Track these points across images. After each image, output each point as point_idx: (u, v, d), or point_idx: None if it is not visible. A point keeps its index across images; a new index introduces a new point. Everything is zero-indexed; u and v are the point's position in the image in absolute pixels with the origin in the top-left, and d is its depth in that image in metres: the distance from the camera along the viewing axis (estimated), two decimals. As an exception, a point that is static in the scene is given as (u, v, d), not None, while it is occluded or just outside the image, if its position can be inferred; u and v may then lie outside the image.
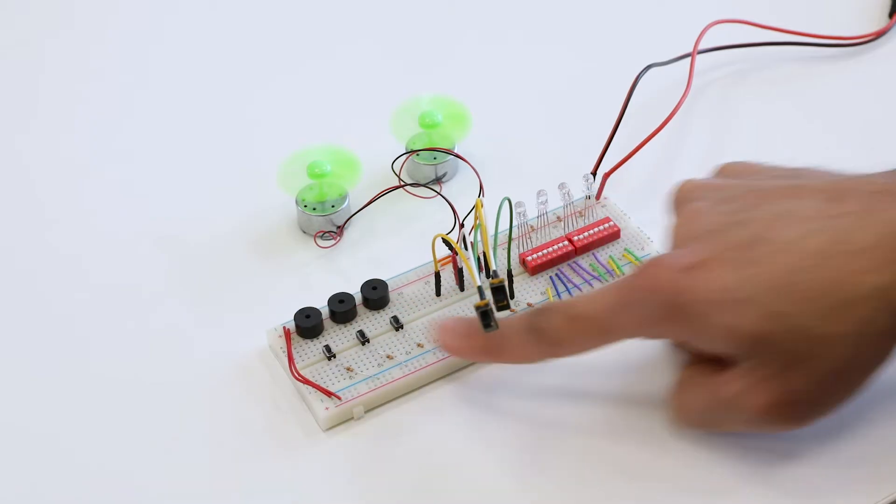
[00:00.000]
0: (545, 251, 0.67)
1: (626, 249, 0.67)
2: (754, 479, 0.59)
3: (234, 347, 0.65)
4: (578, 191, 0.68)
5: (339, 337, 0.64)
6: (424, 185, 0.72)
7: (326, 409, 0.61)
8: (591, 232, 0.68)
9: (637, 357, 0.64)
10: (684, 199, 0.61)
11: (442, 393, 0.63)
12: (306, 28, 0.85)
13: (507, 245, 0.66)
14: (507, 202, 0.64)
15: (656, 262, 0.57)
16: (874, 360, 0.56)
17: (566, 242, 0.67)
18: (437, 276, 0.66)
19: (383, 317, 0.65)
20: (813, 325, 0.54)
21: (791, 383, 0.55)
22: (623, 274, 0.66)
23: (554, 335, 0.59)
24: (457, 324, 0.62)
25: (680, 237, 0.59)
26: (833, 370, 0.55)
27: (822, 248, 0.55)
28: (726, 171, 0.63)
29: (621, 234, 0.68)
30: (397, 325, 0.64)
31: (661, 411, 0.61)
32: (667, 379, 0.62)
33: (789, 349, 0.55)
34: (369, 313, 0.65)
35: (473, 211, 0.64)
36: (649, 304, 0.57)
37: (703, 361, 0.58)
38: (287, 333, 0.64)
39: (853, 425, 0.60)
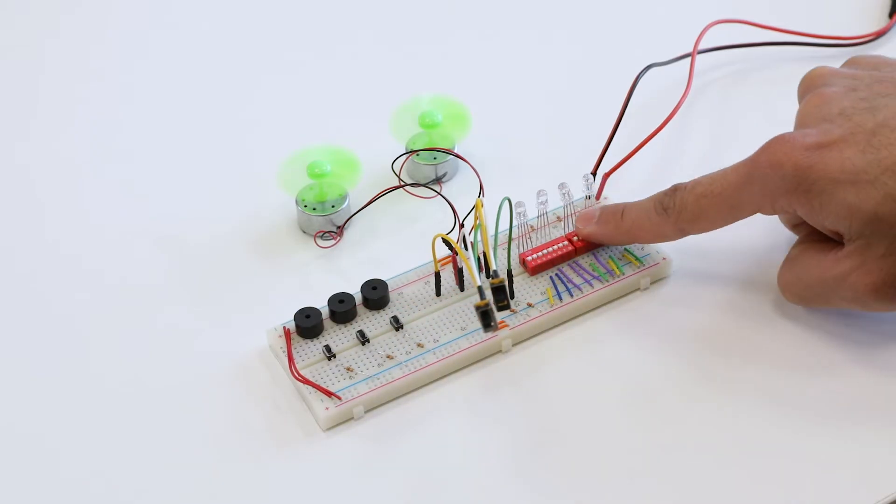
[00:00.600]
0: (545, 251, 0.67)
1: (625, 249, 0.67)
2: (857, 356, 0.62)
3: (234, 347, 0.65)
4: (578, 191, 0.68)
5: (339, 337, 0.64)
6: (424, 185, 0.72)
7: (326, 409, 0.61)
8: (591, 232, 0.68)
9: (635, 361, 0.64)
10: (813, 84, 0.64)
11: (442, 393, 0.63)
12: (306, 28, 0.85)
13: (507, 245, 0.66)
14: (507, 202, 0.64)
15: (783, 139, 0.60)
16: None
17: (566, 242, 0.67)
18: (437, 276, 0.65)
19: (383, 317, 0.65)
20: None
21: None
22: (623, 274, 0.66)
23: (684, 212, 0.62)
24: (589, 212, 0.67)
25: (808, 117, 0.62)
26: None
27: None
28: (856, 62, 0.66)
29: (621, 234, 0.68)
30: (397, 325, 0.64)
31: (660, 419, 0.61)
32: (665, 390, 0.62)
33: None
34: (369, 313, 0.65)
35: (473, 211, 0.64)
36: (774, 179, 0.60)
37: (813, 240, 0.62)
38: (287, 333, 0.64)
39: (853, 425, 0.60)
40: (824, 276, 0.61)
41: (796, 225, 0.64)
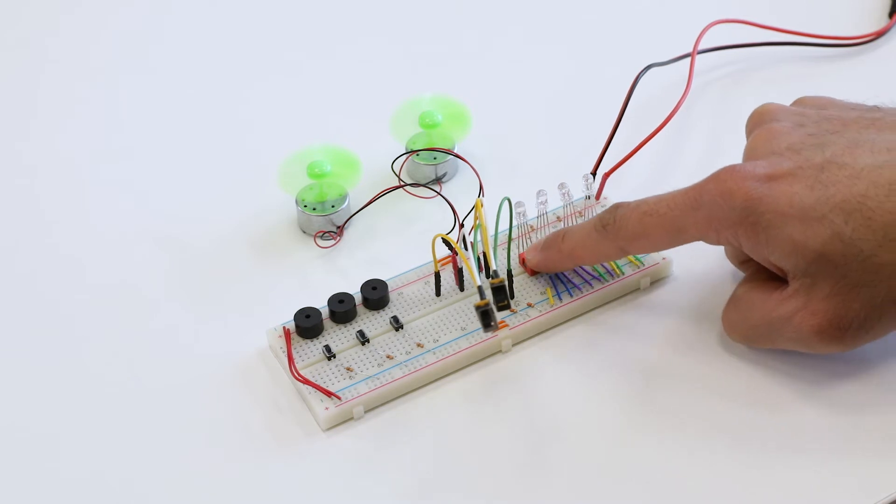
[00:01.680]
0: (545, 251, 0.67)
1: (626, 249, 0.67)
2: (806, 394, 0.61)
3: (234, 347, 0.65)
4: (578, 191, 0.68)
5: (339, 337, 0.64)
6: (424, 185, 0.72)
7: (326, 409, 0.61)
8: (591, 232, 0.67)
9: (635, 361, 0.64)
10: (761, 119, 0.63)
11: (442, 393, 0.63)
12: (306, 28, 0.85)
13: (507, 245, 0.66)
14: (506, 202, 0.64)
15: (733, 169, 0.59)
16: None
17: (566, 242, 0.67)
18: (437, 276, 0.66)
19: (383, 317, 0.65)
20: (877, 253, 0.56)
21: (846, 306, 0.57)
22: (623, 274, 0.66)
23: (625, 229, 0.62)
24: (537, 242, 0.66)
25: (756, 151, 0.61)
26: (889, 299, 0.57)
27: (895, 180, 0.57)
28: (804, 102, 0.65)
29: (621, 234, 0.68)
30: (397, 325, 0.65)
31: (661, 418, 0.61)
32: (666, 389, 0.62)
33: (850, 272, 0.57)
34: (369, 313, 0.65)
35: (473, 211, 0.64)
36: (723, 209, 0.59)
37: (759, 279, 0.61)
38: (287, 333, 0.64)
39: (853, 424, 0.60)
40: (769, 317, 0.60)
41: (743, 262, 0.63)
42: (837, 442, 0.60)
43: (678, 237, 0.61)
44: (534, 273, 0.66)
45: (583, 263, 0.65)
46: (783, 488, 0.58)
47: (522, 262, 0.67)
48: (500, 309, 0.60)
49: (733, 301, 0.62)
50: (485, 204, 0.63)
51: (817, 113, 0.62)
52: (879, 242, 0.56)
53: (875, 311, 0.57)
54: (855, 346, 0.59)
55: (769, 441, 0.60)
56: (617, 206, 0.62)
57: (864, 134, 0.59)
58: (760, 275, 0.61)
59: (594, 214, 0.68)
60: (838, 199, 0.57)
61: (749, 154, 0.62)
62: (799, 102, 0.65)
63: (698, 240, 0.61)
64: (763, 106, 0.64)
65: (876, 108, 0.62)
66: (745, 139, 0.65)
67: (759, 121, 0.63)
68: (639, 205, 0.62)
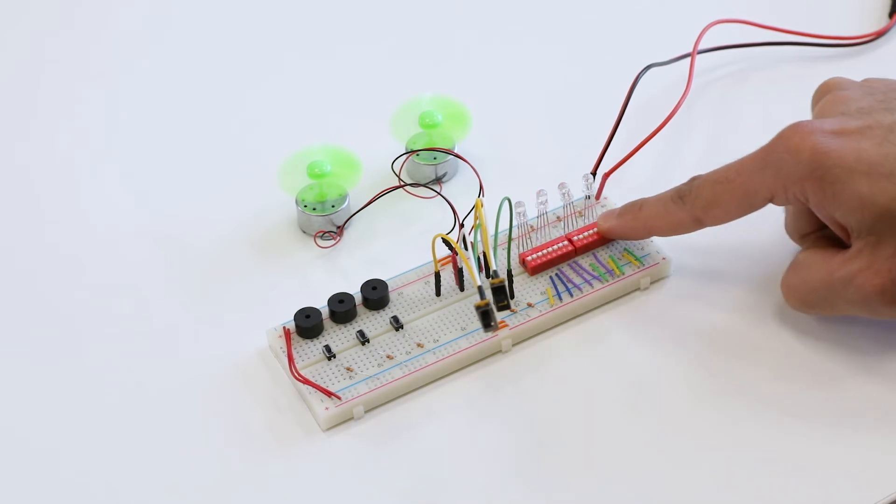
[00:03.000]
0: (545, 251, 0.67)
1: (625, 249, 0.67)
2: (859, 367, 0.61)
3: (234, 347, 0.65)
4: (578, 191, 0.68)
5: (339, 337, 0.64)
6: (424, 185, 0.72)
7: (326, 409, 0.61)
8: (591, 232, 0.67)
9: (635, 361, 0.64)
10: (829, 89, 0.64)
11: (442, 393, 0.63)
12: (306, 28, 0.85)
13: (507, 245, 0.66)
14: (507, 202, 0.64)
15: (800, 125, 0.60)
16: None
17: (566, 242, 0.67)
18: (437, 276, 0.65)
19: (383, 317, 0.65)
20: None
21: None
22: (623, 274, 0.66)
23: (699, 199, 0.62)
24: (612, 210, 0.67)
25: (825, 113, 0.62)
26: None
27: None
28: (870, 81, 0.65)
29: (621, 234, 0.68)
30: (397, 325, 0.64)
31: (661, 419, 0.61)
32: (665, 389, 0.62)
33: None
34: (369, 313, 0.65)
35: (473, 211, 0.64)
36: (790, 163, 0.59)
37: (819, 245, 0.61)
38: (287, 333, 0.64)
39: (852, 424, 0.60)
40: (830, 278, 0.60)
41: (804, 235, 0.64)
42: (835, 445, 0.60)
43: (750, 201, 0.61)
44: (534, 273, 0.66)
45: (658, 234, 0.66)
46: (783, 488, 0.58)
47: (522, 262, 0.67)
48: (500, 309, 0.60)
49: (794, 266, 0.62)
50: (485, 204, 0.63)
51: (885, 84, 0.63)
52: None
53: None
54: None
55: (769, 441, 0.60)
56: (694, 178, 0.63)
57: None
58: (822, 242, 0.62)
59: (594, 214, 0.68)
60: None
61: (818, 117, 0.62)
62: (866, 81, 0.66)
63: (769, 201, 0.61)
64: (831, 78, 0.65)
65: None
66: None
67: (828, 90, 0.64)
68: (712, 174, 0.62)
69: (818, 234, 0.63)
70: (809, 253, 0.62)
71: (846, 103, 0.61)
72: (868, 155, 0.58)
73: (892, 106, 0.60)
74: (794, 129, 0.60)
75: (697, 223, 0.63)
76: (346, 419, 0.62)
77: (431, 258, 0.65)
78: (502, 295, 0.60)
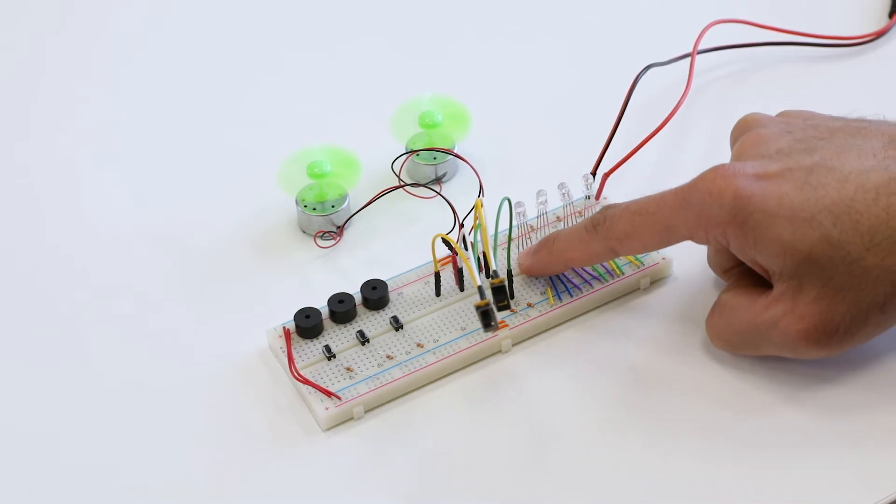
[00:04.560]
0: (545, 251, 0.67)
1: (626, 249, 0.67)
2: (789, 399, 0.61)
3: (234, 347, 0.65)
4: (578, 191, 0.68)
5: (339, 337, 0.64)
6: (424, 185, 0.72)
7: (326, 409, 0.61)
8: (591, 232, 0.67)
9: (635, 361, 0.64)
10: (747, 126, 0.63)
11: (442, 393, 0.63)
12: (306, 28, 0.85)
13: (506, 245, 0.66)
14: (506, 202, 0.64)
15: (723, 168, 0.59)
16: None
17: (566, 242, 0.67)
18: (437, 276, 0.65)
19: (383, 317, 0.65)
20: (864, 256, 0.56)
21: (832, 310, 0.57)
22: (623, 274, 0.66)
23: (615, 228, 0.61)
24: (529, 247, 0.66)
25: (745, 154, 0.61)
26: (875, 304, 0.57)
27: (882, 184, 0.57)
28: (788, 114, 0.65)
29: (621, 234, 0.68)
30: (397, 325, 0.64)
31: (661, 419, 0.61)
32: (665, 388, 0.62)
33: (836, 275, 0.57)
34: (369, 313, 0.65)
35: (473, 211, 0.64)
36: (712, 207, 0.58)
37: (742, 286, 0.61)
38: (287, 333, 0.64)
39: (852, 424, 0.60)
40: (755, 321, 0.59)
41: (725, 271, 0.63)
42: (831, 444, 0.60)
43: (667, 237, 0.61)
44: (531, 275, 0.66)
45: (574, 265, 0.65)
46: (783, 489, 0.58)
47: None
48: (500, 309, 0.60)
49: (717, 308, 0.62)
50: (485, 204, 0.63)
51: (803, 121, 0.62)
52: (866, 246, 0.56)
53: (860, 315, 0.57)
54: (840, 351, 0.59)
55: (770, 441, 0.60)
56: (608, 207, 0.63)
57: (851, 140, 0.60)
58: (745, 280, 0.61)
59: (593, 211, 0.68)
60: (827, 201, 0.57)
61: (736, 158, 0.62)
62: (783, 114, 0.65)
63: (687, 239, 0.61)
64: (748, 115, 0.64)
65: (861, 119, 0.62)
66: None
67: (746, 128, 0.63)
68: (629, 205, 0.62)
69: (740, 269, 0.62)
70: (732, 295, 0.61)
71: (765, 143, 0.61)
72: (789, 199, 0.57)
73: (811, 146, 0.60)
74: (715, 172, 0.59)
75: (612, 252, 0.63)
76: (346, 419, 0.62)
77: (431, 258, 0.65)
78: (502, 295, 0.60)
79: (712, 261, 0.64)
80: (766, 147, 0.60)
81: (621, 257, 0.66)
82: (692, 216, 0.59)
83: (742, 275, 0.62)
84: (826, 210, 0.57)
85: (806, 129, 0.61)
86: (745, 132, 0.63)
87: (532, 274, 0.66)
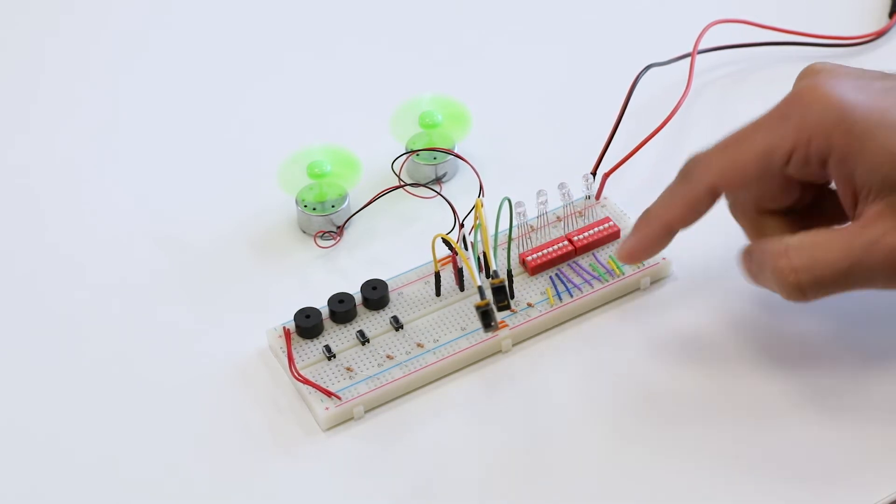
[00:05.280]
0: (545, 251, 0.67)
1: (626, 249, 0.67)
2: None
3: (235, 347, 0.65)
4: (578, 191, 0.68)
5: (339, 337, 0.64)
6: (424, 185, 0.72)
7: (326, 409, 0.61)
8: (591, 232, 0.68)
9: (634, 361, 0.64)
10: (813, 70, 0.60)
11: (442, 393, 0.63)
12: (306, 28, 0.85)
13: (507, 245, 0.66)
14: (507, 202, 0.64)
15: (820, 78, 0.57)
16: None
17: (566, 242, 0.67)
18: (437, 276, 0.65)
19: (383, 317, 0.65)
20: None
21: None
22: (623, 274, 0.66)
23: (711, 166, 0.59)
24: (624, 240, 0.64)
25: (834, 74, 0.58)
26: None
27: None
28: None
29: (621, 234, 0.68)
30: (397, 325, 0.64)
31: (661, 419, 0.61)
32: (665, 388, 0.62)
33: None
34: (369, 313, 0.65)
35: (473, 211, 0.64)
36: (815, 111, 0.56)
37: (808, 224, 0.59)
38: (287, 333, 0.64)
39: (852, 424, 0.60)
40: (850, 246, 0.56)
41: (766, 213, 0.60)
42: (831, 444, 0.60)
43: (768, 159, 0.57)
44: (534, 273, 0.66)
45: (677, 226, 0.61)
46: (783, 489, 0.58)
47: (522, 262, 0.67)
48: (500, 309, 0.60)
49: (790, 251, 0.57)
50: (485, 204, 0.63)
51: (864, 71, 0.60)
52: None
53: None
54: None
55: (770, 441, 0.60)
56: (692, 156, 0.60)
57: None
58: (804, 222, 0.59)
59: (594, 214, 0.68)
60: None
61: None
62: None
63: (787, 159, 0.57)
64: (816, 63, 0.61)
65: None
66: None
67: (815, 72, 0.60)
68: (717, 144, 0.59)
69: (781, 216, 0.59)
70: (804, 234, 0.58)
71: (853, 71, 0.59)
72: (893, 114, 0.56)
73: (882, 77, 0.58)
74: (816, 82, 0.57)
75: (712, 194, 0.59)
76: (346, 419, 0.62)
77: (431, 258, 0.65)
78: (502, 295, 0.60)
79: (751, 203, 0.61)
80: (857, 72, 0.59)
81: (614, 258, 0.65)
82: (793, 127, 0.56)
83: (788, 222, 0.59)
84: None
85: (874, 72, 0.59)
86: (810, 74, 0.60)
87: (636, 259, 0.63)
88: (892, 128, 0.55)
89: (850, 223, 0.57)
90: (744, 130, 0.59)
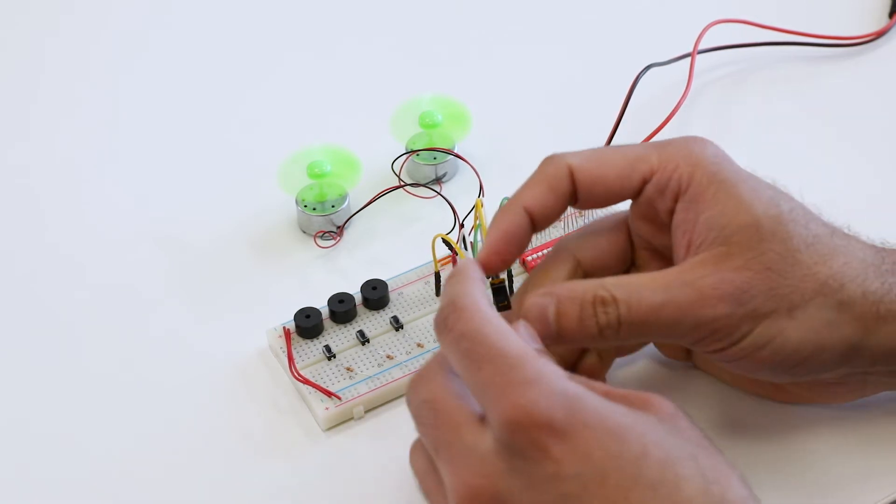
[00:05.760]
0: (545, 251, 0.67)
1: (626, 249, 0.67)
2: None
3: (234, 347, 0.65)
4: (578, 191, 0.68)
5: (339, 337, 0.64)
6: (424, 185, 0.72)
7: (326, 409, 0.61)
8: (591, 232, 0.67)
9: (634, 360, 0.64)
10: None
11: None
12: (306, 28, 0.85)
13: (507, 245, 0.66)
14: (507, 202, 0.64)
15: (705, 139, 0.57)
16: None
17: (566, 242, 0.67)
18: (437, 276, 0.65)
19: (383, 317, 0.65)
20: (801, 250, 0.55)
21: (751, 282, 0.54)
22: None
23: (571, 154, 0.59)
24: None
25: None
26: (787, 302, 0.54)
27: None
28: None
29: (621, 234, 0.68)
30: (397, 325, 0.64)
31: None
32: (664, 388, 0.62)
33: (769, 252, 0.54)
34: (369, 313, 0.65)
35: (473, 211, 0.63)
36: (688, 149, 0.57)
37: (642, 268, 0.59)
38: (287, 333, 0.64)
39: (852, 424, 0.60)
40: (668, 285, 0.55)
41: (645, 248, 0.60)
42: (831, 444, 0.60)
43: (630, 167, 0.57)
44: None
45: (537, 209, 0.58)
46: (783, 490, 0.58)
47: (522, 262, 0.67)
48: (500, 309, 0.60)
49: (611, 285, 0.55)
50: (485, 204, 0.63)
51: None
52: (808, 242, 0.55)
53: (772, 300, 0.54)
54: (740, 335, 0.54)
55: (769, 441, 0.60)
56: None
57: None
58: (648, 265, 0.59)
59: (594, 215, 0.68)
60: (790, 198, 0.56)
61: None
62: None
63: (651, 172, 0.57)
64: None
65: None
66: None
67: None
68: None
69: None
70: (626, 276, 0.56)
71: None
72: (757, 177, 0.57)
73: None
74: (706, 140, 0.58)
75: (570, 177, 0.57)
76: (346, 419, 0.62)
77: (431, 258, 0.65)
78: (503, 295, 0.60)
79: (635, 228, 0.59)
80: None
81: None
82: (666, 153, 0.56)
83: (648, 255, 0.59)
84: (787, 198, 0.56)
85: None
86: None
87: (497, 254, 0.57)
88: (752, 185, 0.56)
89: (672, 267, 0.56)
90: (619, 146, 0.59)
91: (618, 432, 0.50)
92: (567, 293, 0.55)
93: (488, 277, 0.61)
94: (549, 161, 0.58)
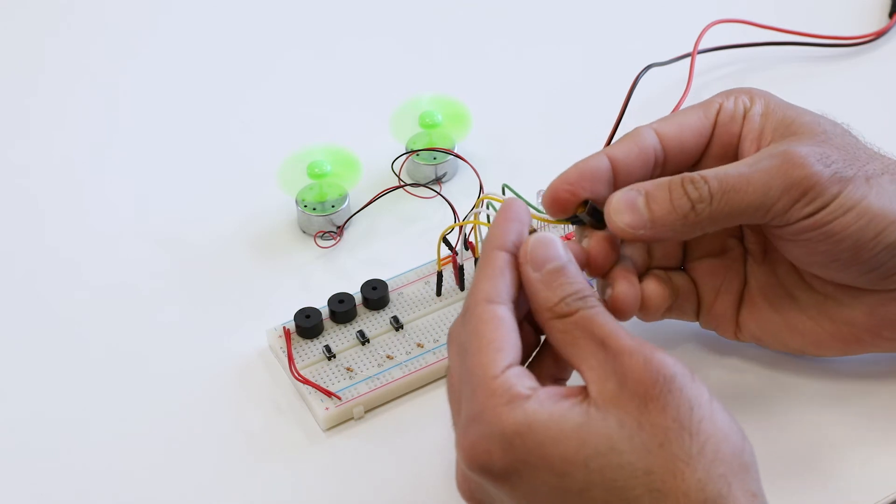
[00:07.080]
0: (545, 251, 0.67)
1: (626, 249, 0.67)
2: None
3: (235, 347, 0.65)
4: (578, 191, 0.68)
5: (339, 337, 0.64)
6: (424, 185, 0.72)
7: (326, 409, 0.61)
8: (591, 232, 0.67)
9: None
10: None
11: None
12: (306, 28, 0.85)
13: (507, 245, 0.66)
14: (506, 189, 0.64)
15: None
16: None
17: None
18: (440, 274, 0.65)
19: (383, 317, 0.65)
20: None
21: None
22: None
23: (651, 124, 0.60)
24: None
25: None
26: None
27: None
28: None
29: (621, 234, 0.68)
30: (397, 325, 0.64)
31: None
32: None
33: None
34: (369, 313, 0.65)
35: (483, 208, 0.63)
36: (750, 89, 0.60)
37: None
38: (287, 333, 0.64)
39: (852, 425, 0.60)
40: (743, 166, 0.56)
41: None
42: (830, 444, 0.60)
43: (704, 109, 0.60)
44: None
45: (621, 158, 0.58)
46: (783, 490, 0.58)
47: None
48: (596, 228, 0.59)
49: (701, 173, 0.56)
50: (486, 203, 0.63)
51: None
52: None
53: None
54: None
55: (770, 441, 0.60)
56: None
57: None
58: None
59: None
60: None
61: None
62: None
63: (720, 104, 0.60)
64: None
65: None
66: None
67: None
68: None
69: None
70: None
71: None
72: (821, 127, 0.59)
73: None
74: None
75: (656, 136, 0.59)
76: (346, 419, 0.62)
77: (431, 258, 0.65)
78: (598, 215, 0.59)
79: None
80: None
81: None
82: (730, 92, 0.60)
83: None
84: None
85: None
86: None
87: (568, 185, 0.58)
88: (803, 108, 0.59)
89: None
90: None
91: (560, 468, 0.50)
92: (652, 182, 0.56)
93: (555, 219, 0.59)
94: (634, 130, 0.59)
